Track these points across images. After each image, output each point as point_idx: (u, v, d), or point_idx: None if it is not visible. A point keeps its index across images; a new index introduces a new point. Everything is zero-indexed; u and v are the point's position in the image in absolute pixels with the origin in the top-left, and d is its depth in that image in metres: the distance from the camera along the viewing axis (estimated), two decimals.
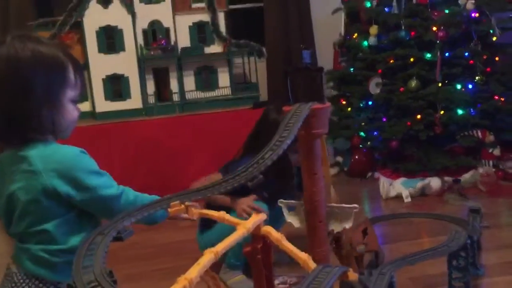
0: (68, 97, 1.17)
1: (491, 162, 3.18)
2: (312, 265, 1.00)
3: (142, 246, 2.54)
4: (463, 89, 3.24)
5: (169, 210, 1.05)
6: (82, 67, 1.25)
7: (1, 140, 1.16)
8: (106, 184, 1.17)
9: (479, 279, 1.92)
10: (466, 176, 3.09)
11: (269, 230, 1.07)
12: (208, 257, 0.91)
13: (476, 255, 1.96)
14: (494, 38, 3.40)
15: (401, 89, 3.30)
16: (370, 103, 3.52)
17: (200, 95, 3.46)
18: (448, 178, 3.10)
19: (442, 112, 3.19)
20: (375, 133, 3.49)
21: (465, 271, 1.78)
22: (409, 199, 2.97)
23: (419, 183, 3.04)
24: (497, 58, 3.39)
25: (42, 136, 1.15)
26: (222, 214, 1.11)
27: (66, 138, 1.23)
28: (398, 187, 3.06)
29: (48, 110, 1.14)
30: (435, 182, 3.04)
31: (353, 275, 1.00)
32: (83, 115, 3.42)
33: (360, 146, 3.57)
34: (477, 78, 3.26)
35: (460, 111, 3.20)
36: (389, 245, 2.29)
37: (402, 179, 3.13)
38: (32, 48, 1.13)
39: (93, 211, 1.18)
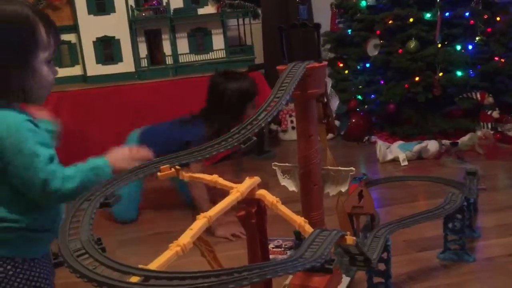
0: (40, 58, 1.09)
1: (489, 125, 3.15)
2: (309, 229, 0.98)
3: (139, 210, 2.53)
4: (463, 50, 3.17)
5: (159, 174, 1.02)
6: (54, 24, 1.15)
7: None
8: (38, 160, 1.03)
9: (475, 241, 1.91)
10: (464, 139, 3.06)
11: (264, 193, 1.05)
12: (201, 222, 0.89)
13: (472, 217, 1.96)
14: None
15: (400, 50, 3.23)
16: (367, 65, 3.46)
17: (194, 58, 3.37)
18: (445, 141, 3.07)
19: (441, 74, 3.13)
20: (372, 96, 3.44)
21: (461, 233, 1.78)
22: (406, 163, 2.94)
23: (416, 146, 3.01)
24: (498, 18, 3.31)
25: (3, 100, 1.07)
26: (214, 177, 1.08)
27: (41, 103, 1.15)
28: (395, 150, 3.03)
29: (17, 73, 1.07)
30: (432, 145, 3.01)
31: (350, 239, 0.98)
32: (74, 79, 3.40)
33: (357, 109, 3.53)
34: (477, 38, 3.19)
35: (459, 73, 3.15)
36: (386, 208, 2.28)
37: (399, 143, 3.10)
38: None
39: (21, 188, 1.05)
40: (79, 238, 0.77)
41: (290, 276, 1.40)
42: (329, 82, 3.54)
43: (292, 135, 3.71)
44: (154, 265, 0.74)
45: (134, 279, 0.67)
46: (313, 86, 1.33)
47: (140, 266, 0.70)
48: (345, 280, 1.46)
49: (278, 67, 1.33)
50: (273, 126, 3.81)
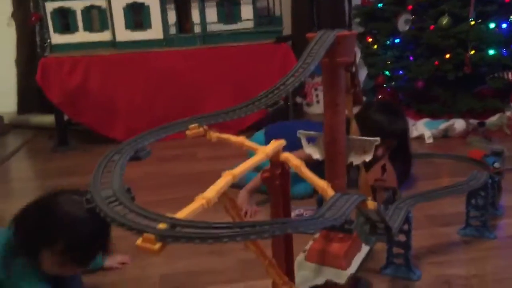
0: None
1: None
2: (331, 192, 0.99)
3: (160, 176, 2.59)
4: (497, 29, 3.09)
5: (187, 132, 1.04)
6: None
7: None
8: None
9: (497, 219, 1.90)
10: (492, 119, 3.01)
11: (288, 156, 1.06)
12: (226, 178, 0.91)
13: (496, 195, 1.94)
14: None
15: (431, 26, 3.16)
16: (397, 41, 3.40)
17: (222, 27, 3.37)
18: (473, 121, 3.02)
19: (472, 52, 3.06)
20: (400, 72, 3.39)
21: (483, 210, 1.77)
22: (431, 140, 2.92)
23: (443, 125, 2.98)
24: None
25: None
26: (241, 139, 1.10)
27: None
28: (421, 127, 3.00)
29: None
30: (459, 124, 2.97)
31: (372, 204, 0.99)
32: (103, 44, 3.44)
33: (385, 85, 3.49)
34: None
35: (491, 52, 3.07)
36: (408, 184, 2.28)
37: (425, 120, 3.07)
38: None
39: None
40: (110, 187, 0.80)
41: (310, 242, 1.42)
42: (358, 52, 3.49)
43: (316, 108, 3.70)
44: (180, 215, 0.77)
45: (162, 226, 0.70)
46: (342, 54, 1.32)
47: (168, 214, 0.73)
48: (365, 248, 1.47)
49: (308, 35, 1.32)
50: (298, 99, 3.80)
